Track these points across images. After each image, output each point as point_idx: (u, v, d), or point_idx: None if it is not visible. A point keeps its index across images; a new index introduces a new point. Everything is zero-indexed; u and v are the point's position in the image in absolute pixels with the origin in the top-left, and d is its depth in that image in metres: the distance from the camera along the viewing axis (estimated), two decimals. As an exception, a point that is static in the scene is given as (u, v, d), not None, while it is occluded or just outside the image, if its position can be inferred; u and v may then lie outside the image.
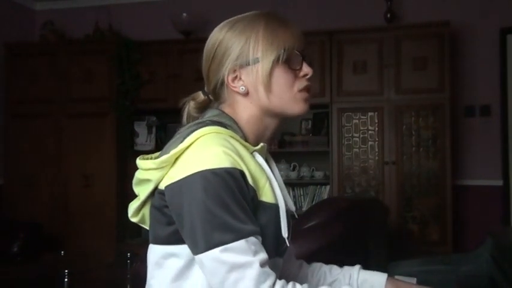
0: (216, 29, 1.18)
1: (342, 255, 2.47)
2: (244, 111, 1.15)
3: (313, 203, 4.34)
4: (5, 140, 4.78)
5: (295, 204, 4.52)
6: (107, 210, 4.48)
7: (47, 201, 4.64)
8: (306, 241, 2.31)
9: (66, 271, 2.76)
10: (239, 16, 1.17)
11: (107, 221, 4.47)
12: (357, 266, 1.31)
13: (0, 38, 4.80)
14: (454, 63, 4.22)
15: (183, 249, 1.05)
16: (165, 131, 4.73)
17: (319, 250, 2.30)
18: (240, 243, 0.97)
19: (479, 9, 4.32)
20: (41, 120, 4.69)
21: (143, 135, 4.75)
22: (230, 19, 1.18)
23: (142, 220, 1.19)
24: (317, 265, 1.35)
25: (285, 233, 1.09)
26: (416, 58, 4.07)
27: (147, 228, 1.16)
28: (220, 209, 0.97)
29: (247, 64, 1.11)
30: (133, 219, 1.19)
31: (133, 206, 1.17)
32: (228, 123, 1.12)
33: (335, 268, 1.33)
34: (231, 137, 1.07)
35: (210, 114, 1.16)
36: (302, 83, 1.14)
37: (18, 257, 4.08)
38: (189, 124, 1.12)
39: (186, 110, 1.22)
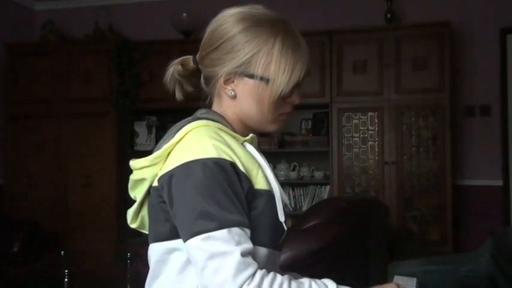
0: (230, 17, 1.12)
1: (342, 255, 2.48)
2: (229, 109, 1.15)
3: (313, 203, 4.34)
4: (5, 140, 4.78)
5: (295, 204, 4.52)
6: (107, 210, 4.48)
7: (47, 201, 4.64)
8: (306, 241, 2.31)
9: (66, 271, 2.76)
10: (255, 13, 1.12)
11: (106, 221, 4.47)
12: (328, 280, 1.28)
13: (0, 38, 4.80)
14: (454, 63, 4.21)
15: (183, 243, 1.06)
16: (165, 131, 4.69)
17: (319, 250, 2.30)
18: (222, 232, 0.97)
19: (479, 9, 4.32)
20: (41, 120, 4.69)
21: (143, 135, 4.74)
22: (245, 11, 1.13)
23: (141, 224, 1.20)
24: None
25: (281, 216, 1.09)
26: (416, 58, 4.07)
27: (147, 232, 1.17)
28: (205, 198, 0.98)
29: (249, 76, 1.09)
30: (133, 225, 1.20)
31: (131, 210, 1.18)
32: (216, 119, 1.13)
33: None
34: (220, 129, 1.08)
35: (199, 112, 1.17)
36: (287, 108, 1.15)
37: (18, 257, 4.08)
38: (179, 122, 1.14)
39: (171, 72, 1.24)
